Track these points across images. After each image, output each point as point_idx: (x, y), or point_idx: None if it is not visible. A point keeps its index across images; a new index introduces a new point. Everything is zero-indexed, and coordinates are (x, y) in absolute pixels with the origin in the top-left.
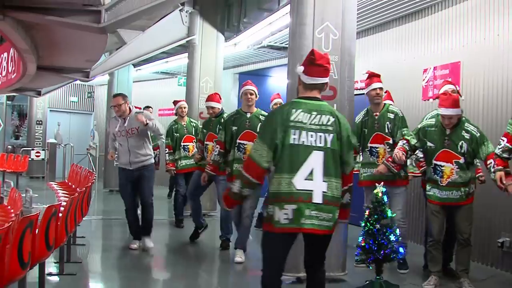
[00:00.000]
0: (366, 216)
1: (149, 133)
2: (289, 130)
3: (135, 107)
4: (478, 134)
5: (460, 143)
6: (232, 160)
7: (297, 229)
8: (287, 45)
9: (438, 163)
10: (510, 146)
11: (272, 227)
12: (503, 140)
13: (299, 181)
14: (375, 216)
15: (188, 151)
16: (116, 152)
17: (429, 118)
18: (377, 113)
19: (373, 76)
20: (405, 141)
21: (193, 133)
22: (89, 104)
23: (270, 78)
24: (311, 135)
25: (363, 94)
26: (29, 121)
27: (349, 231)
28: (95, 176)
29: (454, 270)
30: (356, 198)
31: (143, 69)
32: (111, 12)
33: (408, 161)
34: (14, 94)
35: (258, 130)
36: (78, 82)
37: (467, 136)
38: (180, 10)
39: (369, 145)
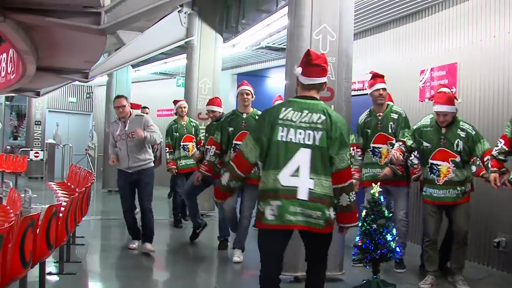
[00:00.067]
0: (363, 216)
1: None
2: (277, 127)
3: (135, 105)
4: (474, 132)
5: (456, 142)
6: (229, 161)
7: (282, 226)
8: (285, 46)
9: (435, 162)
10: (507, 149)
11: (261, 223)
12: (501, 142)
13: (284, 178)
14: (372, 216)
15: (188, 151)
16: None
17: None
18: (381, 114)
19: (376, 77)
20: (401, 143)
21: (193, 133)
22: (87, 105)
23: (268, 79)
24: (300, 132)
25: (360, 95)
26: (28, 121)
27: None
28: (94, 177)
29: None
30: None
31: (142, 70)
32: (110, 14)
33: (409, 162)
34: (13, 94)
35: None
36: (76, 82)
37: (462, 134)
38: (178, 11)
39: (371, 145)
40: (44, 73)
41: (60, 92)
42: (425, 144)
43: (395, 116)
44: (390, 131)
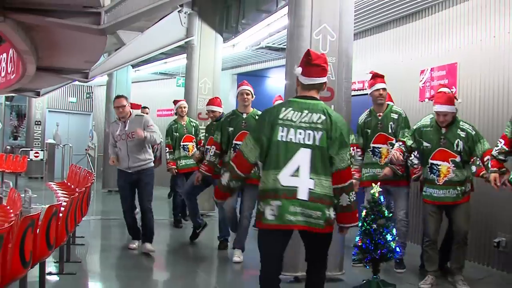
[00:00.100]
0: (363, 216)
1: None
2: (277, 127)
3: (135, 105)
4: (474, 132)
5: (456, 142)
6: (229, 161)
7: (282, 226)
8: (285, 46)
9: (435, 162)
10: (507, 149)
11: (261, 223)
12: (501, 142)
13: (284, 178)
14: (372, 216)
15: (188, 151)
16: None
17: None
18: (381, 114)
19: (376, 77)
20: (401, 143)
21: (193, 133)
22: (87, 105)
23: (268, 79)
24: (300, 132)
25: (361, 95)
26: (28, 121)
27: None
28: (94, 177)
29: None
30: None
31: (142, 70)
32: (110, 14)
33: (409, 162)
34: (13, 94)
35: None
36: (76, 82)
37: (462, 134)
38: (178, 11)
39: (371, 145)
40: (44, 73)
41: (60, 92)
42: (425, 144)
43: (395, 116)
44: (390, 131)
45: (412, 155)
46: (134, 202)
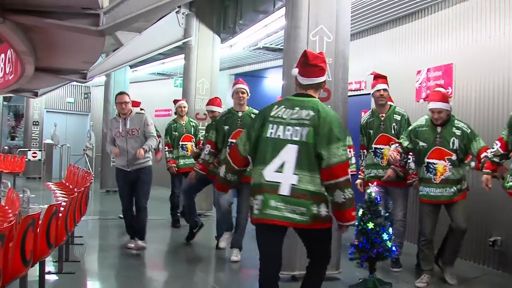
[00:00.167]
0: (359, 215)
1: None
2: (267, 124)
3: (135, 102)
4: (469, 131)
5: (451, 140)
6: (223, 160)
7: (263, 220)
8: (282, 47)
9: (431, 161)
10: (502, 152)
11: (251, 218)
12: (496, 144)
13: (268, 173)
14: (368, 216)
15: (187, 150)
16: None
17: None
18: (383, 114)
19: (378, 77)
20: (397, 144)
21: (192, 133)
22: (85, 105)
23: (266, 79)
24: (288, 129)
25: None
26: (26, 121)
27: None
28: (93, 177)
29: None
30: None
31: (140, 70)
32: (109, 15)
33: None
34: (11, 95)
35: None
36: (74, 83)
37: (458, 132)
38: (176, 12)
39: (373, 146)
40: (43, 74)
41: (58, 92)
42: (421, 144)
43: (398, 117)
44: (392, 132)
45: (410, 157)
46: (133, 200)
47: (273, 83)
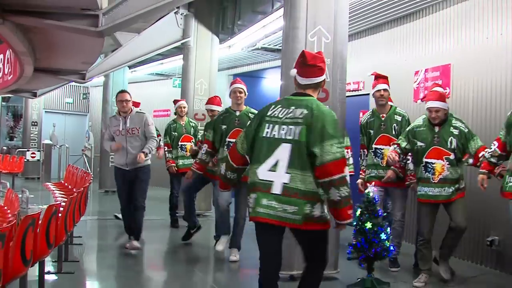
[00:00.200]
0: (357, 215)
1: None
2: (263, 124)
3: (135, 103)
4: (467, 130)
5: (449, 139)
6: (221, 158)
7: (257, 218)
8: (280, 47)
9: (429, 160)
10: (500, 152)
11: (249, 216)
12: (494, 145)
13: (262, 172)
14: (366, 215)
15: (186, 151)
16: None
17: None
18: (384, 115)
19: (379, 77)
20: (396, 145)
21: (192, 133)
22: (84, 106)
23: (264, 79)
24: (283, 128)
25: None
26: (25, 122)
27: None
28: (92, 177)
29: (450, 267)
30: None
31: (138, 71)
32: (108, 16)
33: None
34: (10, 95)
35: None
36: (73, 83)
37: (455, 132)
38: (175, 13)
39: (374, 146)
40: (42, 74)
41: (57, 93)
42: (419, 144)
43: (398, 118)
44: (393, 132)
45: (409, 158)
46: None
47: (272, 84)
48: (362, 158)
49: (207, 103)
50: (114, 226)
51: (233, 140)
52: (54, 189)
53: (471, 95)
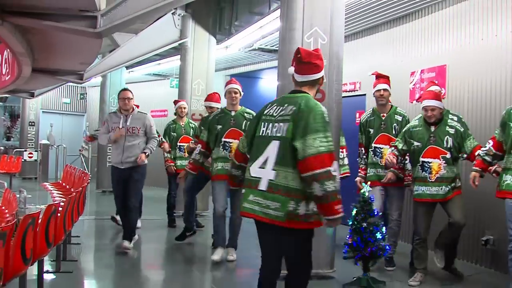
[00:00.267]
0: (353, 214)
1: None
2: (260, 123)
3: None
4: (462, 129)
5: (445, 138)
6: (215, 158)
7: (243, 213)
8: (277, 48)
9: (426, 160)
10: (494, 151)
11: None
12: (489, 143)
13: (254, 169)
14: (362, 215)
15: (184, 152)
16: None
17: (413, 121)
18: (384, 114)
19: (380, 77)
20: (393, 147)
21: (191, 134)
22: (81, 106)
23: (261, 80)
24: (275, 126)
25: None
26: (22, 122)
27: (337, 229)
28: (90, 177)
29: (458, 270)
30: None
31: (136, 71)
32: (106, 18)
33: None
34: (7, 95)
35: (243, 127)
36: (70, 83)
37: (451, 131)
38: (172, 13)
39: (373, 145)
40: (40, 75)
41: (54, 93)
42: (415, 143)
43: (399, 118)
44: (393, 132)
45: (407, 158)
46: None
47: (268, 84)
48: (360, 156)
49: (206, 100)
50: (111, 226)
51: (229, 140)
52: (52, 189)
53: (466, 96)
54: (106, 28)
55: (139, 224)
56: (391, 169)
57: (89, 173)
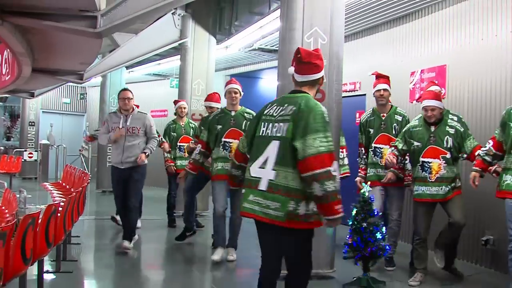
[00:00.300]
0: (353, 214)
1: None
2: (260, 123)
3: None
4: (462, 129)
5: (445, 138)
6: (215, 158)
7: (242, 213)
8: (277, 48)
9: (426, 160)
10: (494, 151)
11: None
12: (489, 143)
13: (254, 169)
14: (362, 215)
15: (184, 152)
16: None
17: (413, 121)
18: (384, 114)
19: (380, 77)
20: (393, 148)
21: (191, 134)
22: (81, 106)
23: (261, 80)
24: (275, 126)
25: (352, 96)
26: (22, 122)
27: (337, 229)
28: (90, 177)
29: (458, 270)
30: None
31: (136, 71)
32: (106, 18)
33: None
34: (7, 95)
35: (243, 127)
36: (70, 83)
37: (451, 131)
38: (172, 13)
39: (373, 145)
40: (40, 75)
41: (54, 93)
42: (415, 143)
43: (399, 118)
44: (393, 132)
45: (407, 159)
46: None
47: (268, 84)
48: (360, 156)
49: (206, 100)
50: (111, 226)
51: (229, 140)
52: (52, 189)
53: (466, 96)
54: (106, 28)
55: (139, 224)
56: (391, 169)
57: (89, 173)
